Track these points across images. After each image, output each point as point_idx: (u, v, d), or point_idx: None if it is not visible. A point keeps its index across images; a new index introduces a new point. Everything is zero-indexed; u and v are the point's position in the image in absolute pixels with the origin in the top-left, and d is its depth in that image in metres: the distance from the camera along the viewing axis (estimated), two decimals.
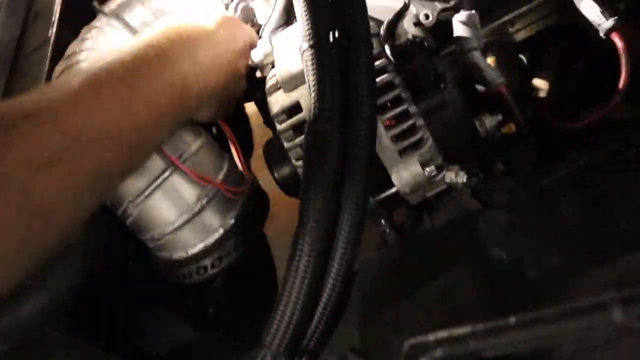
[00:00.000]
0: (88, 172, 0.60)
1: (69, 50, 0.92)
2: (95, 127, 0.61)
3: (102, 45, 0.91)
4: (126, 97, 0.65)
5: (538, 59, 0.95)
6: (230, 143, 0.89)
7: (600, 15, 0.79)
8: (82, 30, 0.97)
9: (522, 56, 0.96)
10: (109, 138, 0.62)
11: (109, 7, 0.99)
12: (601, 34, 0.79)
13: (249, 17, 0.95)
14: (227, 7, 0.95)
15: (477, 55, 0.79)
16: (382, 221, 0.86)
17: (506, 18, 0.88)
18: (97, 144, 0.61)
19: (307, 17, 0.64)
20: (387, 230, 0.90)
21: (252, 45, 0.85)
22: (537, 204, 0.66)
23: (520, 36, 0.90)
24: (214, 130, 0.94)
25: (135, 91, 0.66)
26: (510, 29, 0.89)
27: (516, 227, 0.62)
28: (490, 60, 0.92)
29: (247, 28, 0.88)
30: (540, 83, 0.93)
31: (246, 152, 0.98)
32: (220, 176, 0.82)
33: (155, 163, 0.78)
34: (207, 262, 0.83)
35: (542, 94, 0.92)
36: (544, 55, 0.95)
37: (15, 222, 0.54)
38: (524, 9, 0.87)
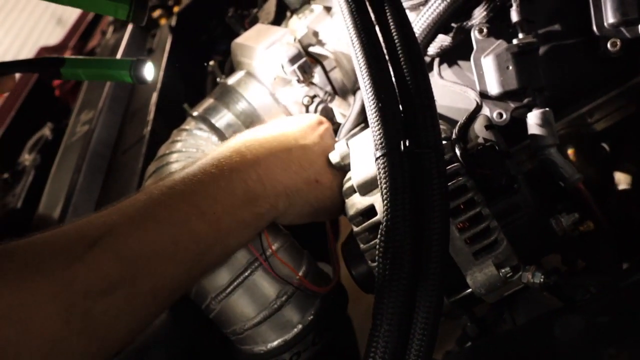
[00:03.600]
0: (146, 292, 0.66)
1: (160, 152, 0.98)
2: (152, 248, 0.66)
3: (191, 147, 0.97)
4: (184, 213, 0.70)
5: (619, 149, 0.94)
6: (329, 245, 0.92)
7: None
8: (173, 133, 1.03)
9: (604, 145, 0.95)
10: (166, 256, 0.67)
11: (197, 110, 1.06)
12: None
13: (328, 116, 1.00)
14: (307, 108, 1.00)
15: (553, 152, 0.79)
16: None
17: (584, 110, 0.87)
18: (154, 264, 0.66)
19: (379, 126, 0.67)
20: (468, 324, 0.90)
21: None
22: (618, 308, 0.64)
23: (599, 126, 0.89)
24: None
25: (193, 207, 0.71)
26: (589, 120, 0.88)
27: (595, 338, 0.60)
28: (569, 151, 0.92)
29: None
30: (621, 175, 0.92)
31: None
32: (301, 272, 0.84)
33: (238, 261, 0.81)
34: (286, 356, 0.84)
35: (624, 186, 0.90)
36: (625, 145, 0.94)
37: (76, 346, 0.60)
38: (601, 100, 0.86)
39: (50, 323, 0.57)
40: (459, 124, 0.77)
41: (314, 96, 1.00)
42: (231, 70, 1.23)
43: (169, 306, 0.73)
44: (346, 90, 1.04)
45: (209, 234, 0.72)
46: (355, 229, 0.75)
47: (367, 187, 0.74)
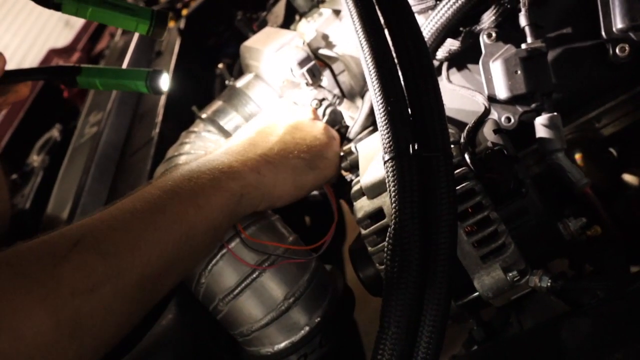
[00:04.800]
0: (133, 284, 0.65)
1: (168, 154, 0.98)
2: (133, 236, 0.67)
3: (199, 149, 0.98)
4: (161, 198, 0.71)
5: (627, 154, 0.94)
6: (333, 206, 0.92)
7: None
8: (181, 135, 1.04)
9: (612, 150, 0.95)
10: (149, 243, 0.67)
11: (206, 112, 1.06)
12: None
13: (337, 119, 1.00)
14: (315, 111, 1.00)
15: (560, 156, 0.79)
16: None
17: (592, 114, 0.87)
18: (138, 253, 0.66)
19: (388, 129, 0.67)
20: (475, 328, 0.90)
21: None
22: (626, 312, 0.64)
23: (607, 131, 0.89)
24: None
25: (170, 191, 0.72)
26: (597, 125, 0.89)
27: (602, 343, 0.61)
28: (577, 156, 0.92)
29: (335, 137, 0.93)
30: (630, 178, 0.92)
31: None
32: (306, 277, 0.84)
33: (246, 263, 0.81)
34: (293, 358, 0.84)
35: (632, 191, 0.90)
36: (633, 150, 0.94)
37: (68, 348, 0.59)
38: (609, 105, 0.86)
39: (41, 327, 0.57)
40: (467, 127, 0.78)
41: (323, 99, 1.01)
42: (240, 73, 1.23)
43: (160, 297, 0.72)
44: (354, 93, 1.05)
45: (190, 212, 0.71)
46: (363, 231, 0.76)
47: (375, 190, 0.75)
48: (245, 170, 0.78)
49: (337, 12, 1.10)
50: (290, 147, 0.85)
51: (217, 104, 1.08)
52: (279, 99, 1.08)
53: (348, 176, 0.90)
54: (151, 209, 0.69)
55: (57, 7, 0.77)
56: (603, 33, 0.80)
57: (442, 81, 0.89)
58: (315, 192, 1.02)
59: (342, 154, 0.90)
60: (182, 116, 1.24)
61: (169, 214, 0.70)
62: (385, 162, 0.67)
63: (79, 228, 0.65)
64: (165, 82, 0.82)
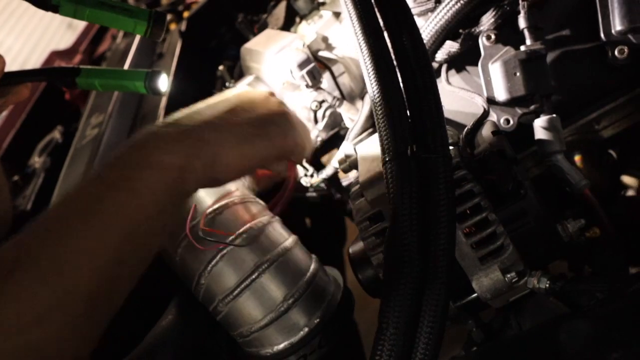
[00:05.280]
0: (83, 303, 0.59)
1: None
2: (71, 241, 0.60)
3: None
4: (92, 193, 0.64)
5: (627, 156, 0.94)
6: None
7: None
8: None
9: (612, 151, 0.95)
10: (92, 240, 0.60)
11: None
12: None
13: (336, 121, 1.00)
14: (315, 113, 1.01)
15: (560, 158, 0.79)
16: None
17: (591, 116, 0.87)
18: (81, 274, 0.59)
19: (386, 131, 0.67)
20: (474, 329, 0.90)
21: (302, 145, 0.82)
22: (624, 313, 0.64)
23: (607, 133, 0.89)
24: None
25: (102, 182, 0.65)
26: (597, 127, 0.89)
27: (601, 344, 0.61)
28: (577, 158, 0.92)
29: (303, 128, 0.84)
30: (629, 180, 0.92)
31: None
32: (306, 278, 0.85)
33: (246, 263, 0.82)
34: (292, 358, 0.84)
35: (632, 192, 0.90)
36: (632, 152, 0.94)
37: None
38: (608, 107, 0.87)
39: None
40: (466, 129, 0.78)
41: (322, 101, 1.01)
42: (240, 75, 1.24)
43: (118, 305, 0.65)
44: (354, 95, 1.05)
45: (126, 203, 0.63)
46: (362, 233, 0.76)
47: (374, 192, 0.75)
48: (182, 139, 0.68)
49: (337, 15, 1.10)
50: (238, 113, 0.75)
51: None
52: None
53: (346, 178, 0.91)
54: (83, 212, 0.62)
55: (54, 9, 0.77)
56: (602, 35, 0.80)
57: (441, 83, 0.89)
58: (313, 194, 1.02)
59: (341, 156, 0.90)
60: None
61: (104, 214, 0.61)
62: (384, 164, 0.67)
63: (12, 249, 0.59)
64: (163, 82, 0.83)
